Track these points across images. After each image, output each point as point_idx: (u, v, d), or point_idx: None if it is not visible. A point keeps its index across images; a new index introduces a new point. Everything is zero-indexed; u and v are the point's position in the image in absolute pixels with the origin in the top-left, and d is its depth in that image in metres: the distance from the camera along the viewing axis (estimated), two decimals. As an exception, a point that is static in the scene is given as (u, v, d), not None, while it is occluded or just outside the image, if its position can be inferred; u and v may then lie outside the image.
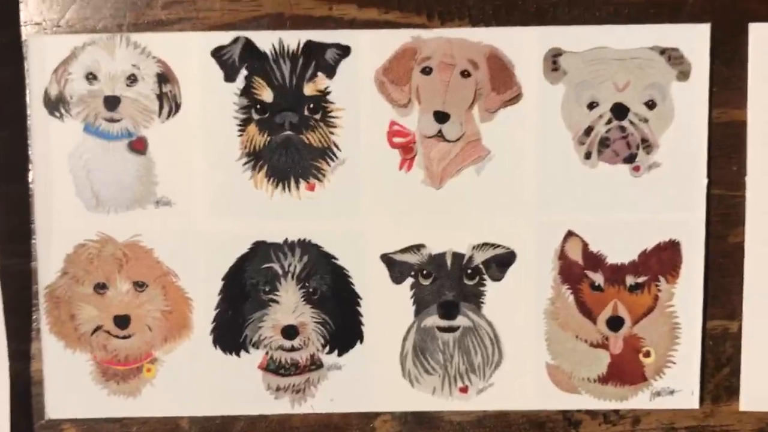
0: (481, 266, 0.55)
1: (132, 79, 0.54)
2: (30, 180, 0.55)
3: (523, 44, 0.53)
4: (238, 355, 0.55)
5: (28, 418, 0.56)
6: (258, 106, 0.54)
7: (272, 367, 0.56)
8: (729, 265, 0.55)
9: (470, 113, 0.54)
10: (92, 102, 0.54)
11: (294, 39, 0.53)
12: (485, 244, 0.55)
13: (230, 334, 0.55)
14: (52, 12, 0.54)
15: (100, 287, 0.55)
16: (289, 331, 0.55)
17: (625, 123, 0.54)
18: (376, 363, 0.56)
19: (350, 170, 0.54)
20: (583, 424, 0.56)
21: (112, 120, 0.54)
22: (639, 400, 0.56)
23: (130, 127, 0.54)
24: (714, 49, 0.53)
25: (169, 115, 0.54)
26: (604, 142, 0.54)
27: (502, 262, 0.55)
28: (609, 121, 0.54)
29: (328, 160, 0.54)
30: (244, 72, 0.54)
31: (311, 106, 0.54)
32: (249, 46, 0.53)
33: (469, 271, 0.55)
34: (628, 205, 0.54)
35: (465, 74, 0.54)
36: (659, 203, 0.54)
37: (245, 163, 0.54)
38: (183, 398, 0.56)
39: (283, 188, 0.54)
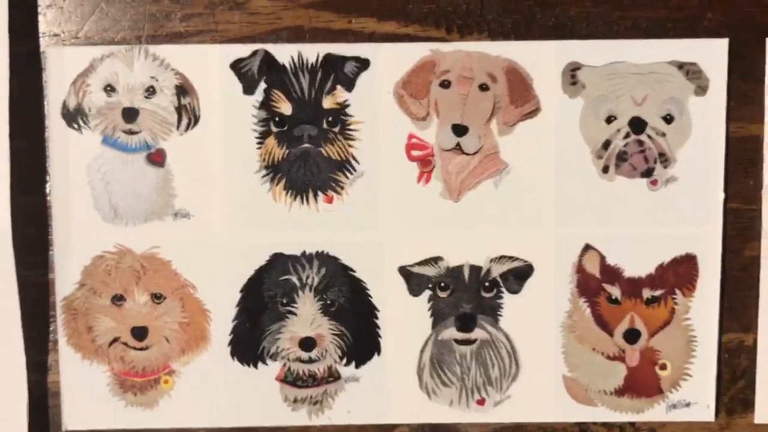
0: (498, 279, 0.55)
1: (150, 91, 0.54)
2: (48, 191, 0.54)
3: (541, 58, 0.53)
4: (255, 366, 0.56)
5: (45, 429, 0.56)
6: (277, 119, 0.54)
7: (290, 379, 0.56)
8: (745, 278, 0.55)
9: (488, 126, 0.54)
10: (110, 114, 0.54)
11: (313, 52, 0.54)
12: (503, 257, 0.55)
13: (248, 346, 0.55)
14: (70, 24, 0.54)
15: (118, 299, 0.55)
16: (307, 343, 0.55)
17: (642, 137, 0.54)
18: (394, 375, 0.56)
19: (368, 183, 0.54)
20: (599, 436, 0.57)
21: (130, 132, 0.54)
22: (655, 412, 0.56)
23: (149, 139, 0.54)
24: (732, 64, 0.53)
25: (187, 128, 0.54)
26: (621, 156, 0.54)
27: (519, 274, 0.55)
28: (627, 135, 0.54)
29: (347, 172, 0.54)
30: (263, 85, 0.54)
31: (330, 119, 0.54)
32: (268, 58, 0.54)
33: (486, 283, 0.55)
34: (646, 219, 0.54)
35: (483, 88, 0.54)
36: (676, 217, 0.54)
37: (264, 176, 0.54)
38: (200, 410, 0.56)
39: (302, 201, 0.55)
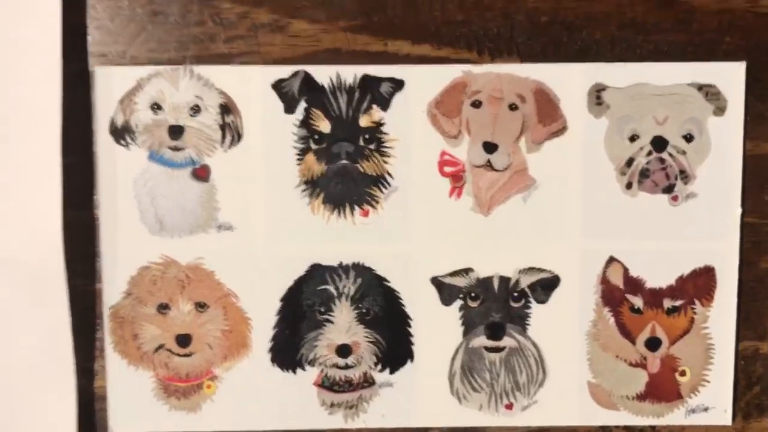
0: (526, 289, 0.58)
1: (195, 110, 0.56)
2: (96, 205, 0.57)
3: (568, 80, 0.56)
4: (294, 372, 0.58)
5: (92, 432, 0.58)
6: (316, 137, 0.57)
7: (327, 384, 0.58)
8: (760, 289, 0.58)
9: (517, 144, 0.57)
10: (157, 131, 0.56)
11: (350, 73, 0.56)
12: (531, 269, 0.57)
13: (287, 353, 0.58)
14: (117, 44, 0.56)
15: (163, 308, 0.57)
16: (343, 350, 0.58)
17: (664, 155, 0.57)
18: (426, 381, 0.58)
19: (403, 197, 0.57)
20: (621, 439, 0.59)
21: (176, 149, 0.57)
22: (675, 416, 0.59)
23: (194, 155, 0.57)
24: (749, 85, 0.56)
25: (231, 145, 0.57)
26: (644, 173, 0.57)
27: (547, 285, 0.57)
28: (649, 153, 0.57)
29: (382, 187, 0.57)
30: (303, 104, 0.56)
31: (366, 136, 0.57)
32: (308, 79, 0.56)
33: (515, 294, 0.58)
34: (667, 233, 0.57)
35: (513, 107, 0.56)
36: (695, 231, 0.57)
37: (303, 191, 0.57)
38: (241, 414, 0.58)
39: (339, 214, 0.57)
